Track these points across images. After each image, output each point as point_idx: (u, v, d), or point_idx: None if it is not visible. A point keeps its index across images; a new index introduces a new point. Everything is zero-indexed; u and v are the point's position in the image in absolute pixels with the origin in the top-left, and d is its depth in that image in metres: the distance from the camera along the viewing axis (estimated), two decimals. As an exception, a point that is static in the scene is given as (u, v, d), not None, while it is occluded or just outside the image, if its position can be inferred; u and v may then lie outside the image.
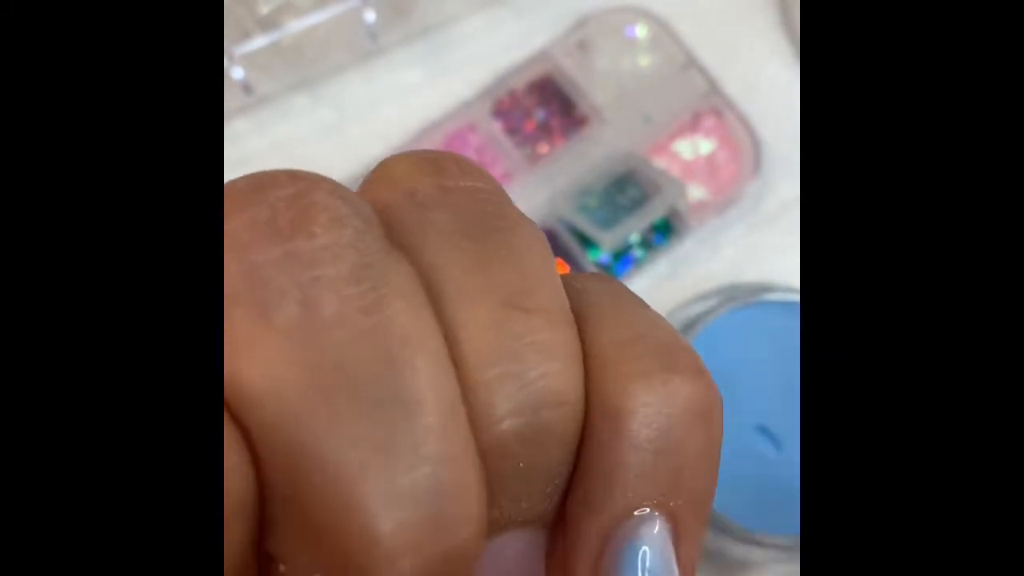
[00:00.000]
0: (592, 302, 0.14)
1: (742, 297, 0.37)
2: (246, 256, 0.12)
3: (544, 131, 0.44)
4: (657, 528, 0.13)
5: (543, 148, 0.43)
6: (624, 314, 0.14)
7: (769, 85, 0.46)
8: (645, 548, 0.13)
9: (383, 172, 0.14)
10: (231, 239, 0.12)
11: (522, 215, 0.15)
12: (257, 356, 0.11)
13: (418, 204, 0.14)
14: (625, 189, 0.42)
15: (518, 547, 0.14)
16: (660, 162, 0.43)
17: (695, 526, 0.14)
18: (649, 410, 0.13)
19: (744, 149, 0.43)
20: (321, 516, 0.11)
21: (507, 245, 0.14)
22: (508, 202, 0.15)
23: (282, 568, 0.12)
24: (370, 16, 0.41)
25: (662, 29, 0.44)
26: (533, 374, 0.13)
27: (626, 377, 0.13)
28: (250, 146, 0.42)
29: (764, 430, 0.36)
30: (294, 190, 0.13)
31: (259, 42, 0.39)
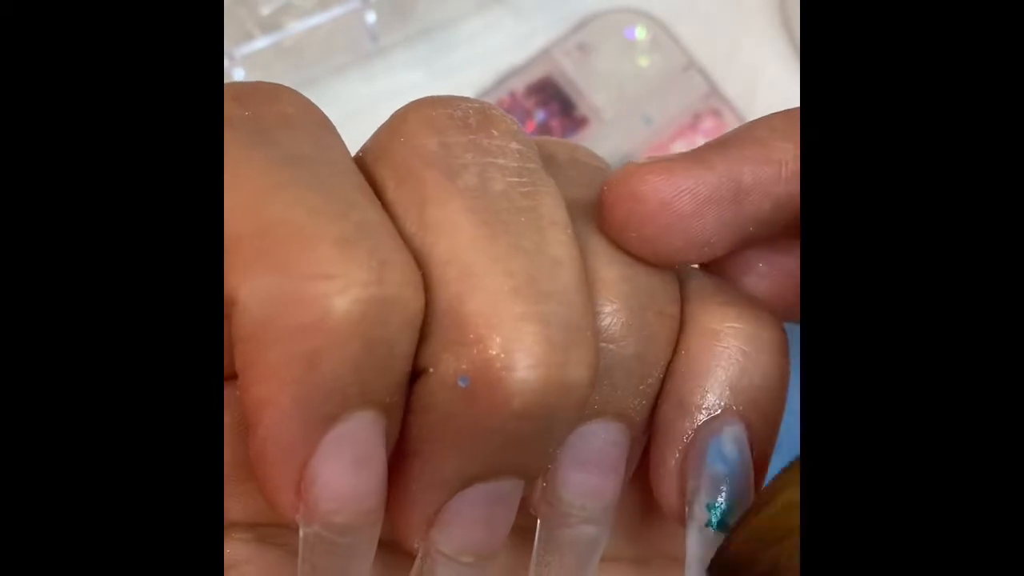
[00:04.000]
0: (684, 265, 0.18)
1: (741, 298, 0.37)
2: (442, 136, 0.15)
3: (544, 132, 0.44)
4: (738, 430, 0.16)
5: (543, 149, 0.44)
6: (710, 275, 0.18)
7: (768, 86, 0.46)
8: (726, 441, 0.16)
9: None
10: (432, 123, 0.15)
11: None
12: (442, 204, 0.15)
13: (555, 164, 0.17)
14: (625, 190, 0.42)
15: (607, 436, 0.16)
16: (660, 163, 0.43)
17: (767, 441, 0.17)
18: (742, 333, 0.16)
19: (744, 150, 0.43)
20: (474, 326, 0.14)
21: None
22: None
23: (430, 371, 0.14)
24: (371, 17, 0.41)
25: (662, 30, 0.45)
26: (643, 282, 0.16)
27: (723, 307, 0.17)
28: (251, 147, 0.42)
29: (763, 431, 0.36)
30: (480, 105, 0.16)
31: (260, 43, 0.40)
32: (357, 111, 0.44)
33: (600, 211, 0.16)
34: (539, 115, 0.44)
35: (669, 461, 0.16)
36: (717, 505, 0.16)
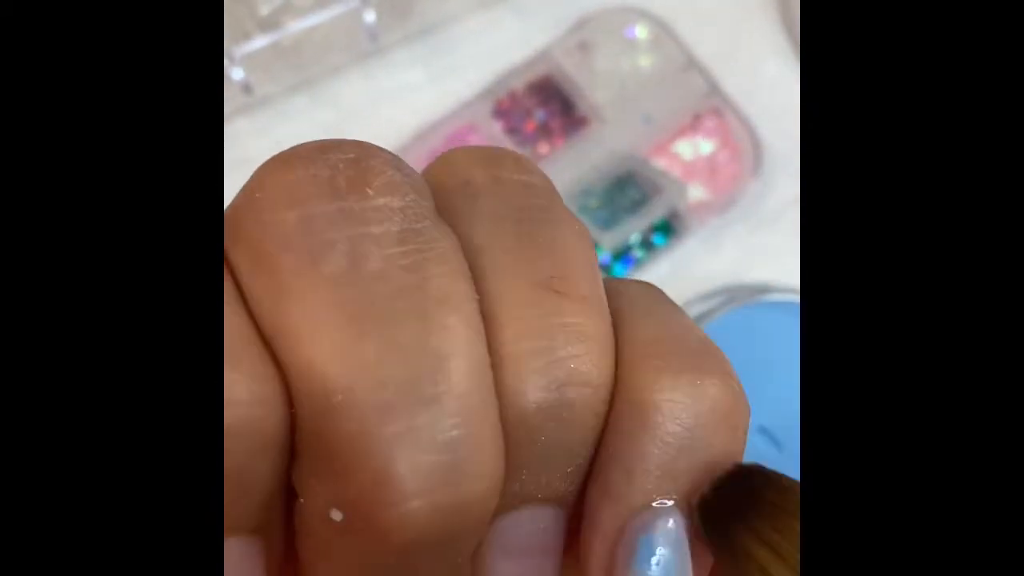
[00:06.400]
0: (629, 301, 0.15)
1: (742, 297, 0.37)
2: (303, 208, 0.13)
3: (544, 131, 0.44)
4: (673, 522, 0.14)
5: (543, 148, 0.43)
6: (659, 315, 0.15)
7: (769, 85, 0.46)
8: (659, 540, 0.14)
9: (445, 159, 0.15)
10: (292, 191, 0.13)
11: (570, 213, 0.15)
12: (301, 298, 0.12)
13: (471, 191, 0.15)
14: (625, 189, 0.42)
15: (537, 524, 0.14)
16: (660, 162, 0.44)
17: None
18: (676, 406, 0.14)
19: (744, 149, 0.44)
20: (341, 452, 0.12)
21: (550, 234, 0.14)
22: (558, 199, 0.15)
23: (301, 501, 0.13)
24: (370, 16, 0.41)
25: (662, 29, 0.45)
26: (561, 353, 0.13)
27: (656, 372, 0.14)
28: (251, 146, 0.43)
29: (765, 431, 0.36)
30: (355, 155, 0.13)
31: (259, 43, 0.40)
32: (356, 111, 0.44)
33: None
34: (539, 114, 0.44)
35: (596, 553, 0.14)
36: None
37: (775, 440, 0.36)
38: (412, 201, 0.13)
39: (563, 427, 0.14)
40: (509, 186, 0.15)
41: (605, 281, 0.15)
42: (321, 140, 0.14)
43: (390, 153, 0.14)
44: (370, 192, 0.13)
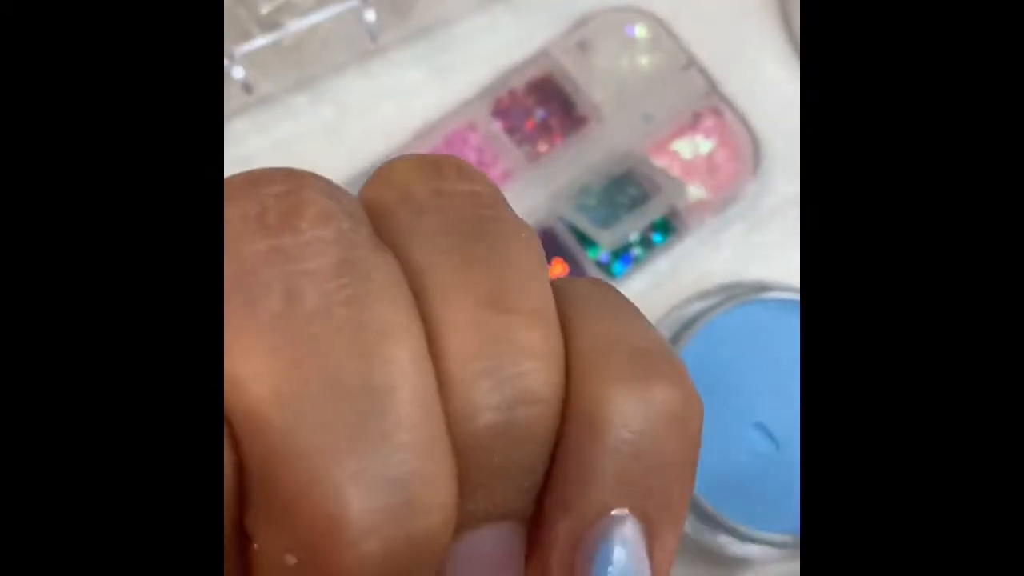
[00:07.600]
0: (580, 306, 0.15)
1: (741, 295, 0.37)
2: (235, 249, 0.13)
3: (544, 130, 0.44)
4: (629, 530, 0.14)
5: (543, 147, 0.44)
6: (610, 319, 0.15)
7: (768, 85, 0.46)
8: (616, 548, 0.14)
9: (384, 173, 0.15)
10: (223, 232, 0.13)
11: (518, 219, 0.15)
12: (241, 345, 0.12)
13: (412, 207, 0.14)
14: (624, 188, 0.43)
15: (495, 542, 0.14)
16: (659, 161, 0.44)
17: (669, 530, 0.14)
18: (627, 415, 0.14)
19: (743, 148, 0.44)
20: (292, 497, 0.12)
21: (496, 247, 0.14)
22: (505, 206, 0.15)
23: (256, 546, 0.13)
24: (370, 15, 0.41)
25: (662, 29, 0.45)
26: (510, 371, 0.13)
27: (606, 381, 0.14)
28: (251, 145, 0.43)
29: (762, 427, 0.36)
30: (285, 187, 0.13)
31: (260, 42, 0.40)
32: (357, 110, 0.45)
33: None
34: (539, 113, 0.44)
35: (555, 564, 0.14)
36: None
37: (773, 438, 0.36)
38: (347, 230, 0.13)
39: (516, 445, 0.13)
40: (451, 198, 0.15)
41: (555, 284, 0.15)
42: (251, 172, 0.14)
43: (322, 179, 0.14)
44: (302, 226, 0.13)
